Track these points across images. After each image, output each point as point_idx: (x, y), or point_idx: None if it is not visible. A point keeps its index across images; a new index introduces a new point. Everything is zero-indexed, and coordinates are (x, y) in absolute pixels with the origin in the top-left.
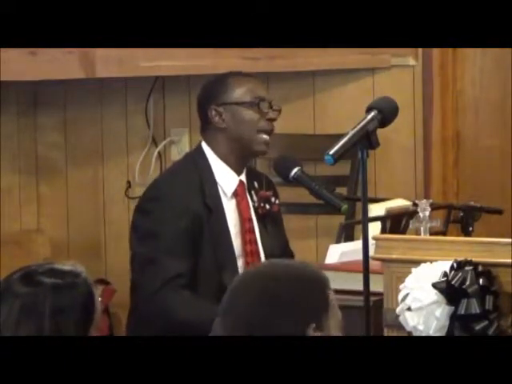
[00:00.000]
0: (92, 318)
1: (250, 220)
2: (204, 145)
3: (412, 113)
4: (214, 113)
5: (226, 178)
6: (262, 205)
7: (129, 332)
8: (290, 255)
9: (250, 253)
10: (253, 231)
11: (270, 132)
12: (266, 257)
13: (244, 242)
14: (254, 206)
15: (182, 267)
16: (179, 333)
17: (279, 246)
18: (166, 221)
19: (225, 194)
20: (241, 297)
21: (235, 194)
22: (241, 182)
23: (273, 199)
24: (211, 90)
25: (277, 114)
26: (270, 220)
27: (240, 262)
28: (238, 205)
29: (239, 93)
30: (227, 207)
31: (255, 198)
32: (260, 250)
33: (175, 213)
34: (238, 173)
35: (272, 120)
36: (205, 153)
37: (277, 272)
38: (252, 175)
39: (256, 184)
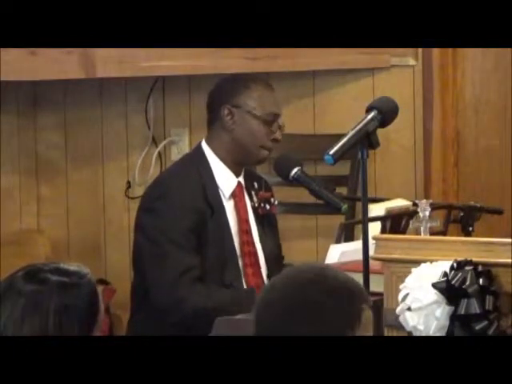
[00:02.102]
0: (96, 320)
1: (247, 221)
2: (204, 145)
3: (412, 113)
4: (226, 111)
5: (225, 179)
6: (262, 205)
7: (134, 330)
8: (282, 259)
9: (248, 254)
10: (250, 233)
11: (270, 150)
12: (266, 258)
13: (242, 243)
14: (253, 207)
15: (192, 261)
16: (196, 323)
17: (277, 248)
18: (173, 218)
19: (223, 194)
20: (268, 303)
21: (233, 195)
22: (239, 183)
23: (272, 200)
24: (230, 89)
25: (281, 133)
26: (268, 221)
27: (239, 263)
28: (236, 206)
29: (257, 103)
30: (226, 208)
31: (255, 198)
32: (258, 251)
33: (181, 210)
34: (237, 174)
35: (276, 141)
36: (204, 153)
37: (306, 281)
38: (251, 176)
39: (256, 184)
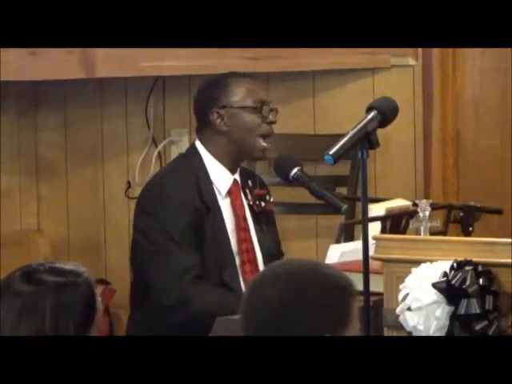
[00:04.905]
0: (93, 319)
1: (245, 218)
2: (198, 144)
3: (412, 113)
4: (215, 116)
5: (221, 177)
6: (257, 203)
7: (134, 329)
8: (282, 256)
9: (246, 251)
10: (247, 229)
11: (269, 135)
12: (263, 255)
13: (239, 241)
14: (249, 204)
15: (192, 260)
16: (198, 322)
17: (275, 245)
18: (171, 217)
19: (219, 192)
20: (259, 297)
21: (229, 193)
22: (235, 180)
23: (267, 197)
24: (212, 93)
25: (275, 114)
26: (265, 218)
27: (236, 260)
28: (233, 203)
29: (241, 96)
30: (222, 206)
31: (250, 196)
32: (255, 248)
33: (178, 210)
34: (233, 172)
35: (272, 123)
36: (199, 152)
37: (299, 276)
38: (245, 174)
39: (250, 183)
